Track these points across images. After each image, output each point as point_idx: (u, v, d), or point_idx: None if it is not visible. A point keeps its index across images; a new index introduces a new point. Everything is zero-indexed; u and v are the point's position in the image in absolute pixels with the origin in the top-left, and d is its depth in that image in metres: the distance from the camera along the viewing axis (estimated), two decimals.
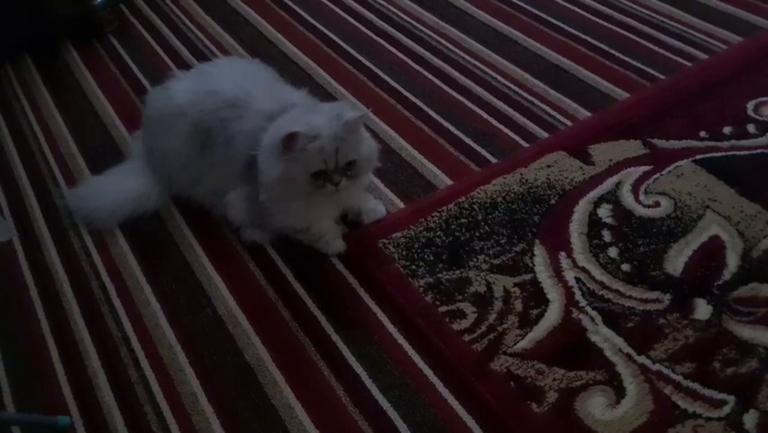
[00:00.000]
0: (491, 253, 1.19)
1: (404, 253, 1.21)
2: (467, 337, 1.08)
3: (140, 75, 1.75)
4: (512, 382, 1.02)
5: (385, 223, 1.27)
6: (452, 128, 1.48)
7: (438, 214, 1.27)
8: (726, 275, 1.11)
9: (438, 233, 1.24)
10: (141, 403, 1.09)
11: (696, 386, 0.99)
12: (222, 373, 1.11)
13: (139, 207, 1.34)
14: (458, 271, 1.17)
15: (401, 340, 1.11)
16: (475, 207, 1.27)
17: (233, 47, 1.80)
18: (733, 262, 1.12)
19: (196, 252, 1.30)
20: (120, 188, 1.35)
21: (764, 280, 1.09)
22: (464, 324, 1.10)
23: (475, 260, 1.19)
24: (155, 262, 1.29)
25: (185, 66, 1.70)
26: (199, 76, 1.32)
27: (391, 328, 1.13)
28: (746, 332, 1.03)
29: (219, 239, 1.31)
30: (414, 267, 1.19)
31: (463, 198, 1.28)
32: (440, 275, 1.17)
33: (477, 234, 1.23)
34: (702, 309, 1.07)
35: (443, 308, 1.13)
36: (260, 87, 1.24)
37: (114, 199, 1.34)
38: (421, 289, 1.15)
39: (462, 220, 1.25)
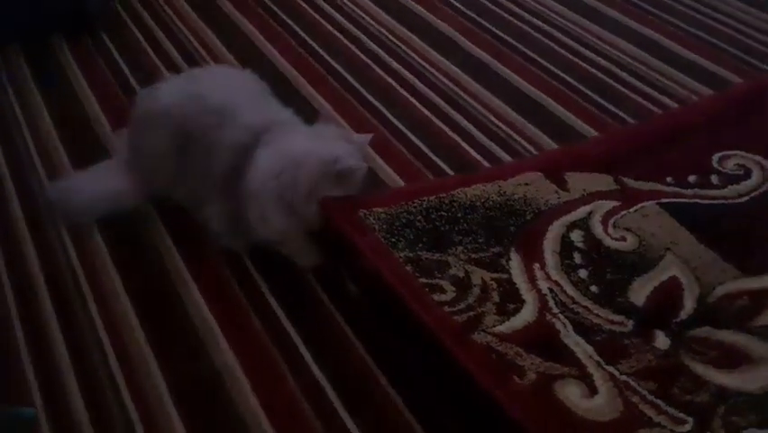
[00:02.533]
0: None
1: (384, 226, 1.20)
2: (447, 309, 1.08)
3: (129, 74, 1.74)
4: (493, 355, 1.02)
5: (366, 198, 1.27)
6: (431, 154, 1.51)
7: (419, 202, 1.27)
8: (683, 315, 1.14)
9: (419, 217, 1.24)
10: (109, 403, 1.07)
11: (659, 402, 1.01)
12: (190, 376, 1.11)
13: (118, 204, 1.33)
14: (438, 255, 1.17)
15: (368, 359, 1.13)
16: (455, 204, 1.28)
17: (225, 54, 1.81)
18: (689, 303, 1.16)
19: (172, 253, 1.28)
20: (100, 185, 1.35)
21: (716, 326, 1.13)
22: (444, 297, 1.10)
23: (454, 249, 1.19)
24: (130, 260, 1.28)
25: (175, 69, 1.71)
26: (188, 79, 1.36)
27: (360, 348, 1.14)
28: (700, 369, 1.06)
29: (195, 242, 1.30)
30: (394, 240, 1.18)
31: (444, 195, 1.29)
32: (420, 253, 1.17)
33: (456, 228, 1.23)
34: (661, 340, 1.10)
35: (423, 280, 1.12)
36: (247, 99, 1.26)
37: (93, 195, 1.34)
38: (401, 260, 1.15)
39: (443, 213, 1.26)
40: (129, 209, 1.35)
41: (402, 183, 1.42)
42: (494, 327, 1.07)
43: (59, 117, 1.63)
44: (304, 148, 1.19)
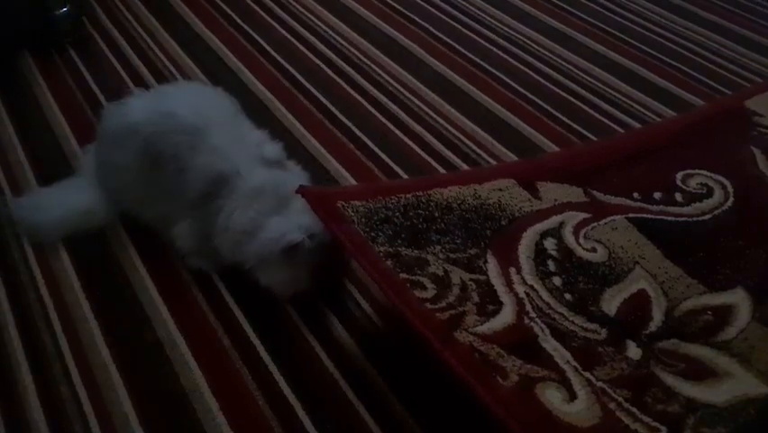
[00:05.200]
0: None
1: (363, 219, 1.17)
2: (429, 306, 1.05)
3: (96, 90, 1.69)
4: (476, 355, 1.00)
5: (343, 189, 1.25)
6: (401, 173, 1.51)
7: (396, 198, 1.24)
8: (652, 327, 1.15)
9: (396, 214, 1.21)
10: (71, 421, 1.04)
11: (634, 410, 1.00)
12: (156, 397, 1.08)
13: (85, 222, 1.28)
14: (417, 251, 1.15)
15: (337, 375, 1.12)
16: (432, 204, 1.26)
17: (194, 71, 1.78)
18: (657, 316, 1.17)
19: (140, 272, 1.24)
20: (67, 202, 1.30)
21: (684, 339, 1.14)
22: (425, 294, 1.07)
23: (432, 248, 1.16)
24: (96, 280, 1.25)
25: (143, 85, 1.67)
26: (158, 96, 1.32)
27: (328, 363, 1.14)
28: (669, 380, 1.07)
29: (163, 261, 1.26)
30: (373, 234, 1.15)
31: (421, 193, 1.28)
32: (399, 249, 1.14)
33: (434, 227, 1.21)
34: (633, 351, 1.10)
35: (404, 276, 1.09)
36: (219, 119, 1.23)
37: (60, 213, 1.29)
38: (381, 254, 1.11)
39: (420, 211, 1.23)
40: (96, 227, 1.31)
41: None
42: (475, 327, 1.05)
43: (24, 132, 1.57)
44: (265, 220, 1.16)
